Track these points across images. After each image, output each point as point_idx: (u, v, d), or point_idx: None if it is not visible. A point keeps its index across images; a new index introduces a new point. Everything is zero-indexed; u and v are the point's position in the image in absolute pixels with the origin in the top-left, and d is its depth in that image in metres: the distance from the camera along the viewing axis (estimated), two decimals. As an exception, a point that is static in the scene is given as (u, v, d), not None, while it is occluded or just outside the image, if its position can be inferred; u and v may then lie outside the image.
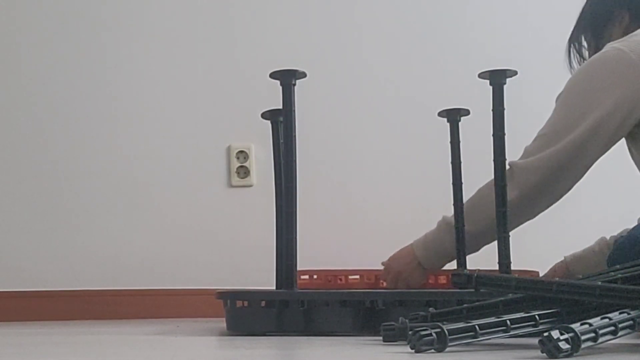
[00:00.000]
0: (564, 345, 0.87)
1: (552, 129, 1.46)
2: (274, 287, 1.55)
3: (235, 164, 2.31)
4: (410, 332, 0.99)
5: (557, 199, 1.50)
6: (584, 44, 1.60)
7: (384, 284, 1.66)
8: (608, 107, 1.39)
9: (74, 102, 2.33)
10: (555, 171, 1.44)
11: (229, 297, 1.40)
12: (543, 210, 1.52)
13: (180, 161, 2.32)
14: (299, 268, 1.40)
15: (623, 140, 1.50)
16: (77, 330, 1.73)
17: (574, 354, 0.88)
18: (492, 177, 1.43)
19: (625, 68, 1.39)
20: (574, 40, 1.61)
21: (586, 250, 1.64)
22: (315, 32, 2.36)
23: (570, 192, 1.49)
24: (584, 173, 1.47)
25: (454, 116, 1.63)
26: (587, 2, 1.59)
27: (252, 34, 2.35)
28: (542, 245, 2.04)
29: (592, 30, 1.57)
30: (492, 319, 1.01)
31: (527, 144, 1.52)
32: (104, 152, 2.32)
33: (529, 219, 1.53)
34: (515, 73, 1.41)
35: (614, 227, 1.62)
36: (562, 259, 1.69)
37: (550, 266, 1.72)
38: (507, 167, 1.43)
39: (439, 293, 1.38)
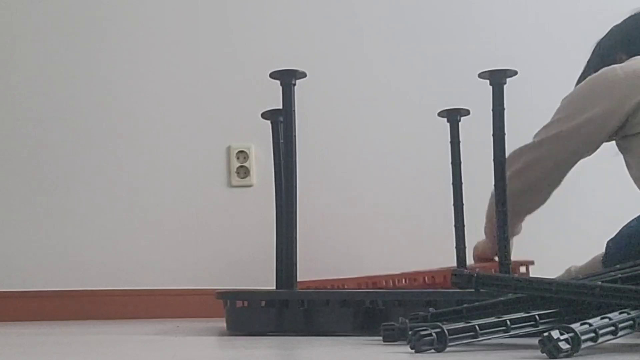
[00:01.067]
0: (564, 345, 0.87)
1: (559, 116, 1.62)
2: (274, 287, 1.54)
3: (235, 164, 2.31)
4: (410, 332, 0.99)
5: (558, 179, 1.62)
6: None
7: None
8: (605, 104, 1.59)
9: (74, 102, 2.32)
10: (558, 142, 1.59)
11: (229, 297, 1.40)
12: (548, 190, 1.63)
13: (180, 161, 2.32)
14: (298, 272, 1.39)
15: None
16: (77, 330, 1.73)
17: (574, 354, 0.88)
18: (493, 177, 1.43)
19: (611, 80, 1.60)
20: (582, 80, 1.73)
21: (558, 277, 1.67)
22: (315, 32, 2.36)
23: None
24: (585, 151, 1.61)
25: (454, 116, 1.63)
26: (596, 47, 1.75)
27: (252, 34, 2.35)
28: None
29: (596, 70, 1.69)
30: (492, 319, 1.01)
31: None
32: (103, 152, 2.31)
33: (538, 201, 1.64)
34: (515, 73, 1.42)
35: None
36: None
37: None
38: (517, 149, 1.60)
39: (439, 293, 1.38)
